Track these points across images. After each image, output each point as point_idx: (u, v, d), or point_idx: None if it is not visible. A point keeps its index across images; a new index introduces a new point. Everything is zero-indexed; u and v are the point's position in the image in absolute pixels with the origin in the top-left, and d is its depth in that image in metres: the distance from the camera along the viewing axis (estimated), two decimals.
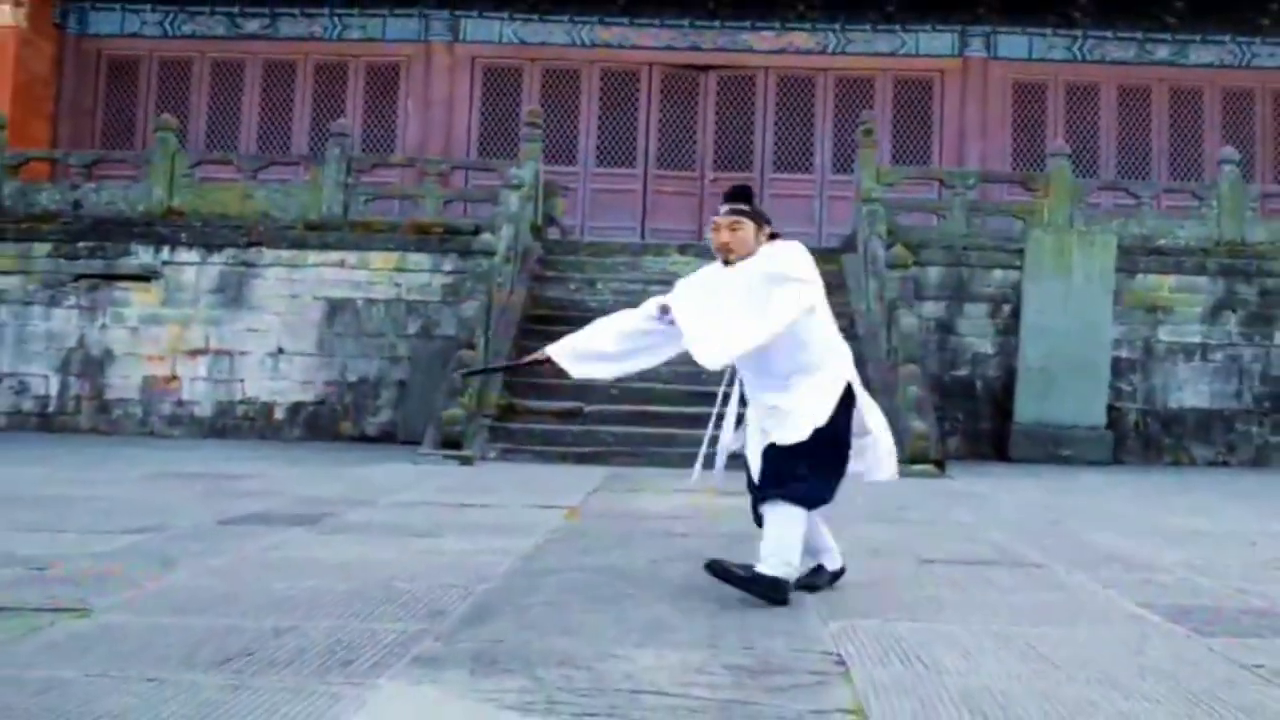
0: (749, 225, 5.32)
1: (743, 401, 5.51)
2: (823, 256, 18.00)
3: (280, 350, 16.41)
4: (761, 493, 5.19)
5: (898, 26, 21.58)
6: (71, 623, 4.36)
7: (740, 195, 5.42)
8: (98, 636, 4.15)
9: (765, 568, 5.06)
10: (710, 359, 5.05)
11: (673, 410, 14.11)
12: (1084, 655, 4.23)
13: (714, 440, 5.67)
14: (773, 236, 5.42)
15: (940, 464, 13.17)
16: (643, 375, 15.33)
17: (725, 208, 5.38)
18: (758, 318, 5.09)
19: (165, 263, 16.70)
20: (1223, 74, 21.42)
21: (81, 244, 16.78)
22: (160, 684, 3.54)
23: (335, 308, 16.56)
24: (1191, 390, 16.59)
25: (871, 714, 3.42)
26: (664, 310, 5.34)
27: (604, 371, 5.51)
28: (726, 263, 5.35)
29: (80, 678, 3.60)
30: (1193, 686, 3.84)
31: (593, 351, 5.41)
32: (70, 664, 3.77)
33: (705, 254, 17.94)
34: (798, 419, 5.13)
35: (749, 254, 5.30)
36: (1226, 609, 5.26)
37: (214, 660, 3.85)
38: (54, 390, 16.55)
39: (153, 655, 3.89)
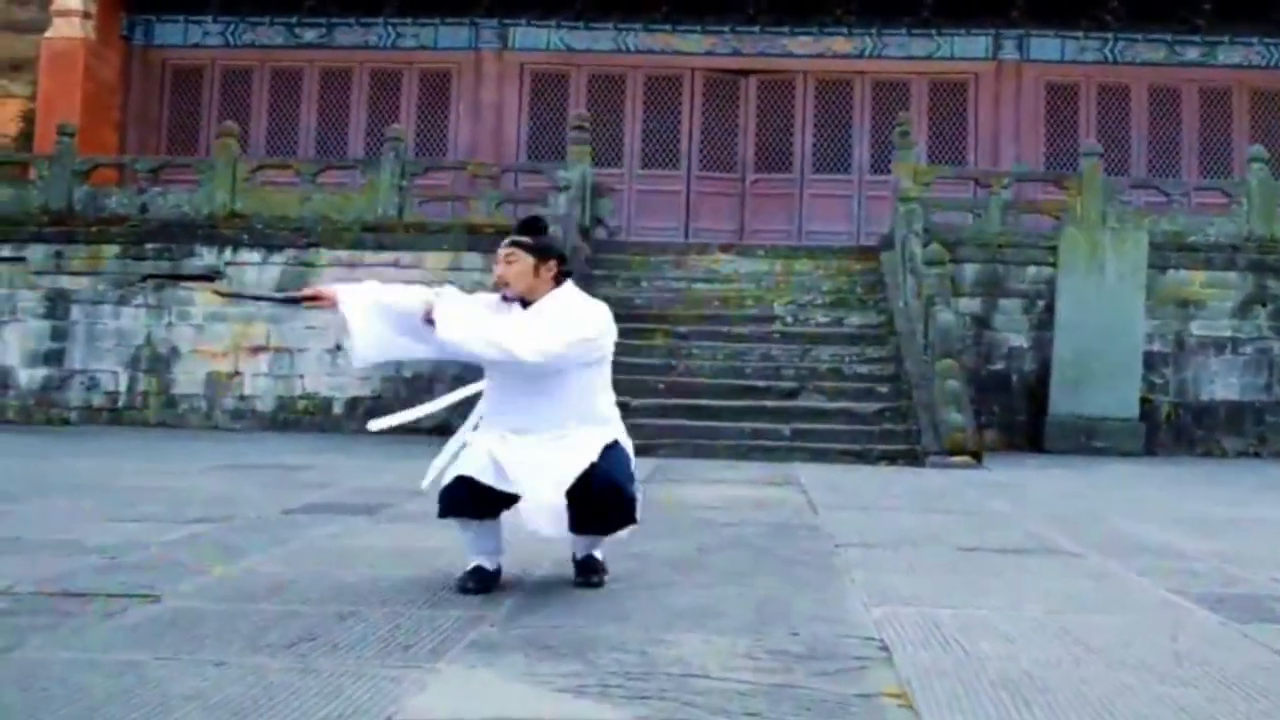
0: (526, 259, 4.97)
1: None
2: (861, 254, 18.57)
3: (338, 347, 16.93)
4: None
5: (933, 30, 21.94)
6: (143, 608, 4.47)
7: (525, 228, 5.08)
8: (168, 621, 4.25)
9: None
10: (528, 354, 4.78)
11: (717, 404, 14.59)
12: (1119, 641, 4.29)
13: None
14: (564, 275, 5.08)
15: (977, 455, 13.50)
16: (689, 369, 15.91)
17: (506, 239, 5.07)
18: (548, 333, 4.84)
19: (228, 263, 17.32)
20: (1251, 74, 21.67)
21: (148, 246, 17.37)
22: (228, 667, 3.63)
23: None
24: (1222, 383, 16.93)
25: (915, 697, 3.48)
26: (428, 316, 4.88)
27: (375, 349, 5.02)
28: (505, 299, 5.05)
29: (152, 661, 3.68)
30: (1227, 672, 3.87)
31: (384, 317, 4.95)
32: (143, 648, 3.85)
33: (747, 253, 18.56)
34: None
35: (529, 290, 5.00)
36: (1259, 596, 5.33)
37: (279, 644, 3.93)
38: (123, 386, 17.19)
39: (220, 639, 3.98)
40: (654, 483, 10.15)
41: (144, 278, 17.33)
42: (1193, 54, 21.78)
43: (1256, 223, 17.50)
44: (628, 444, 5.16)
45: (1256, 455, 16.60)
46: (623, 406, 13.65)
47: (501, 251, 5.04)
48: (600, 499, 4.88)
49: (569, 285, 5.09)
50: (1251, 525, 8.36)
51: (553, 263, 5.02)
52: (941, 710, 3.37)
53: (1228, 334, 16.98)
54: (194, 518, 7.10)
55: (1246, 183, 17.93)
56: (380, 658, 3.80)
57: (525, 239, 5.01)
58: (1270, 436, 16.83)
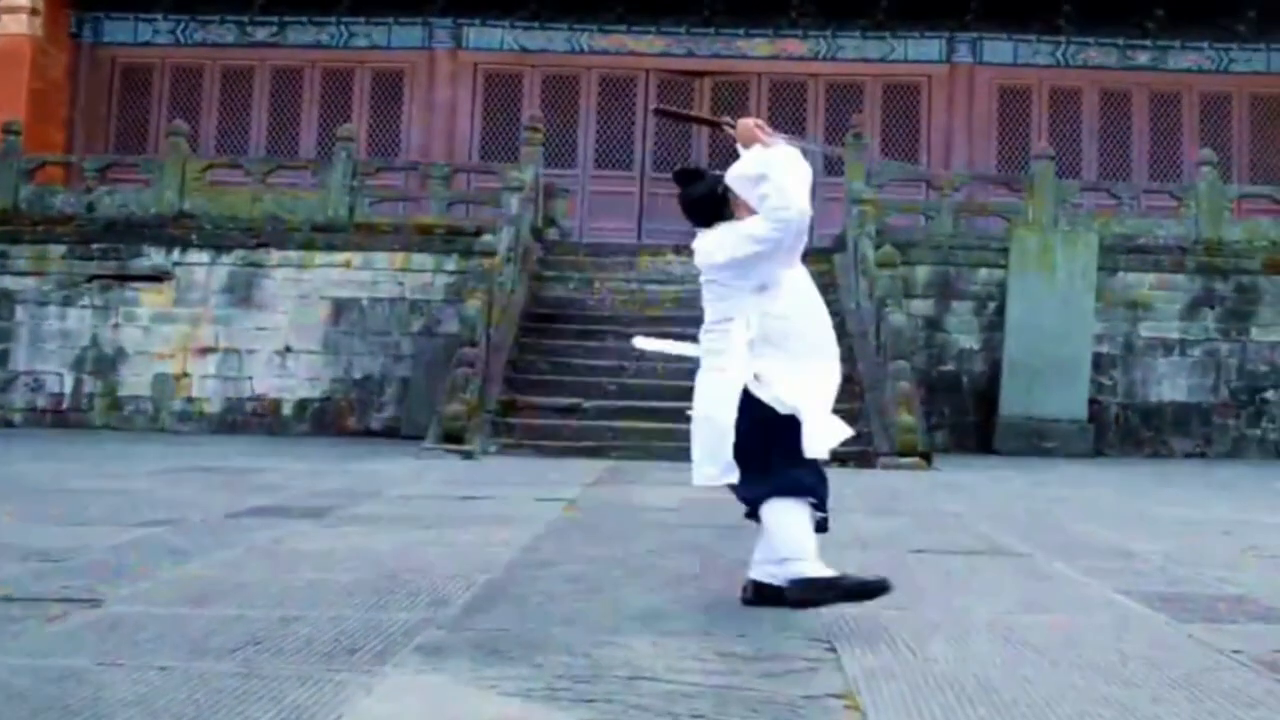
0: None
1: None
2: (814, 257, 18.58)
3: (288, 348, 16.86)
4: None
5: (886, 33, 22.05)
6: (84, 613, 4.42)
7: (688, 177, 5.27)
8: (110, 626, 4.21)
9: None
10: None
11: (670, 405, 14.54)
12: (1066, 642, 4.31)
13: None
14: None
15: (928, 457, 13.57)
16: (640, 370, 15.86)
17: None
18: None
19: (176, 264, 17.18)
20: (1201, 78, 21.93)
21: (95, 245, 17.23)
22: (171, 672, 3.59)
23: (341, 307, 17.05)
24: (1170, 384, 17.10)
25: (862, 698, 3.50)
26: None
27: None
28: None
29: (93, 667, 3.63)
30: (1173, 672, 3.91)
31: None
32: (83, 653, 3.81)
33: None
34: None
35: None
36: (1204, 596, 5.37)
37: (224, 649, 3.91)
38: (68, 388, 17.01)
39: (164, 644, 3.95)
40: (606, 484, 10.24)
41: (90, 278, 17.16)
42: (1143, 58, 22.00)
43: (1205, 226, 17.69)
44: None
45: (1203, 456, 16.78)
46: (575, 408, 13.55)
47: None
48: None
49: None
50: (1198, 525, 8.43)
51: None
52: (888, 711, 3.38)
53: (1176, 335, 17.16)
54: (139, 521, 7.04)
55: (1195, 186, 18.13)
56: (325, 662, 3.79)
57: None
58: (1217, 437, 17.02)
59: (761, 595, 4.77)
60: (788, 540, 4.61)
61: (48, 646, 3.93)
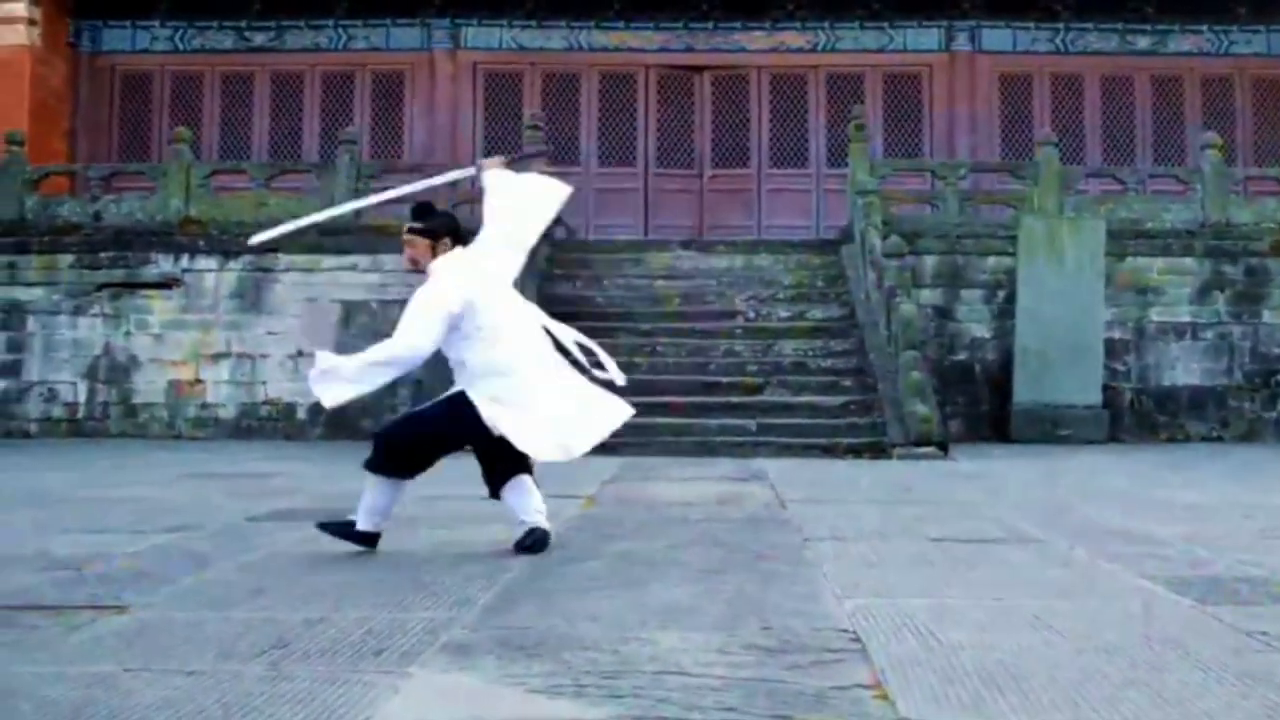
0: (420, 242, 6.02)
1: None
2: (821, 248, 18.60)
3: (300, 352, 16.84)
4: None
5: (885, 23, 22.00)
6: (110, 619, 4.46)
7: (415, 213, 6.09)
8: (136, 632, 4.24)
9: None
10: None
11: (682, 400, 14.60)
12: (1092, 627, 4.33)
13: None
14: (459, 244, 6.08)
15: (943, 446, 13.58)
16: (652, 367, 15.87)
17: (405, 228, 6.09)
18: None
19: (185, 270, 17.18)
20: (1202, 62, 21.84)
21: (103, 254, 17.22)
22: (200, 676, 3.62)
23: (351, 309, 17.05)
24: (1184, 368, 17.06)
25: (892, 689, 3.49)
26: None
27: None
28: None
29: (121, 672, 3.66)
30: (1200, 655, 3.91)
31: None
32: (111, 659, 3.84)
33: (707, 249, 18.55)
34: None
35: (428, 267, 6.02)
36: (1226, 579, 5.39)
37: (251, 652, 3.93)
38: (82, 397, 17.02)
39: (191, 649, 3.98)
40: (622, 481, 10.24)
41: (99, 286, 17.17)
42: (1144, 43, 21.95)
43: (1212, 208, 17.65)
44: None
45: (1219, 439, 16.74)
46: None
47: (403, 239, 6.08)
48: None
49: (442, 259, 6.00)
50: (1217, 509, 8.43)
51: (447, 240, 6.02)
52: (917, 700, 3.40)
53: (1187, 319, 17.11)
54: (160, 527, 7.08)
55: (1200, 169, 18.07)
56: (352, 663, 3.80)
57: (419, 224, 6.01)
58: (1232, 421, 16.98)
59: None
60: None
61: (75, 653, 3.94)
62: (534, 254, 17.06)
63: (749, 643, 4.08)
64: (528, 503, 6.12)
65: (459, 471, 8.91)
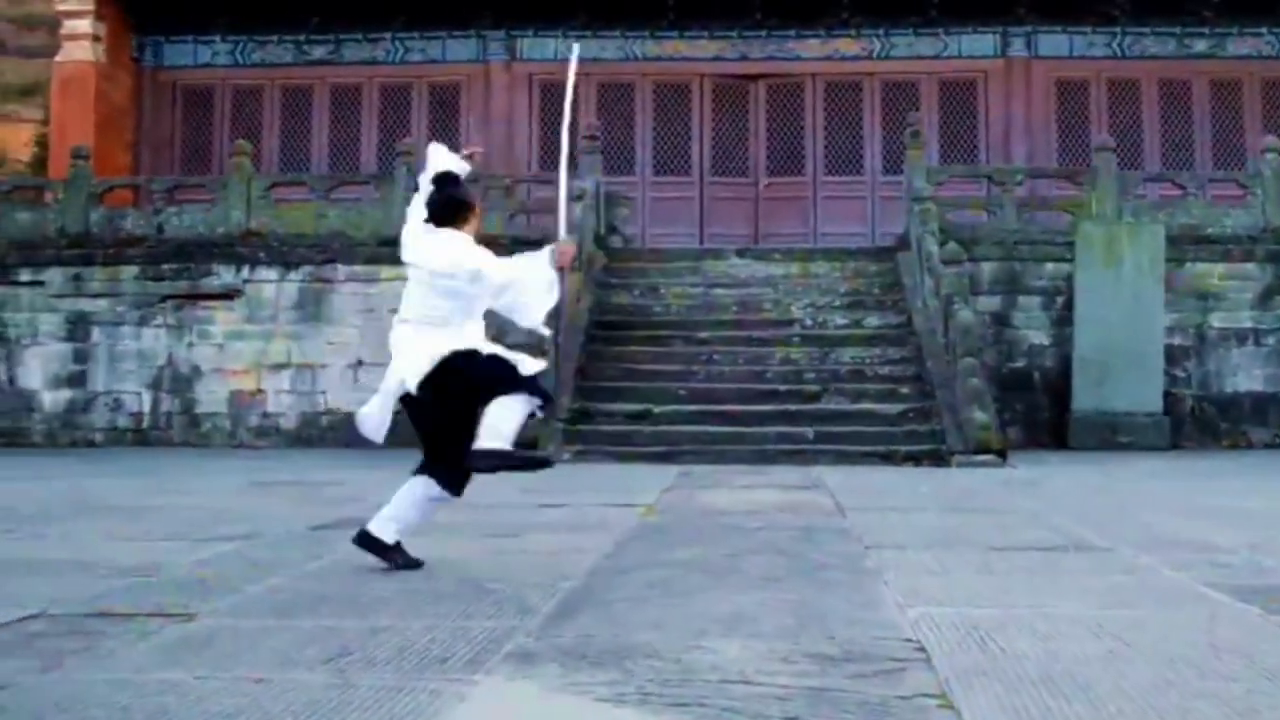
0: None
1: None
2: (877, 255, 18.55)
3: (360, 362, 16.98)
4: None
5: (940, 29, 21.92)
6: (178, 627, 4.49)
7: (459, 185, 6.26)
8: (204, 640, 4.27)
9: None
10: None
11: (740, 408, 14.60)
12: (1157, 636, 4.27)
13: None
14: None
15: (1002, 454, 13.50)
16: (710, 375, 15.88)
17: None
18: None
19: (246, 281, 17.39)
20: (1261, 65, 21.60)
21: (166, 266, 17.48)
22: (267, 684, 3.62)
23: None
24: (1246, 375, 16.87)
25: (956, 698, 3.46)
26: None
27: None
28: None
29: (190, 680, 3.68)
30: (1267, 663, 3.85)
31: None
32: (180, 667, 3.86)
33: (763, 257, 18.54)
34: None
35: None
36: None
37: (317, 660, 3.93)
38: (146, 407, 17.27)
39: (257, 656, 4.00)
40: (680, 489, 10.22)
41: (163, 298, 17.40)
42: (1201, 46, 21.74)
43: (1273, 213, 17.44)
44: None
45: None
46: (645, 414, 13.53)
47: (477, 212, 6.26)
48: None
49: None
50: None
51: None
52: (983, 709, 3.37)
53: (1249, 325, 16.94)
54: (224, 535, 7.17)
55: (1261, 173, 17.87)
56: (418, 671, 3.81)
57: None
58: None
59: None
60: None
61: (145, 661, 3.98)
62: (590, 264, 17.24)
63: (812, 651, 4.06)
64: (402, 505, 5.91)
65: (515, 485, 8.83)
